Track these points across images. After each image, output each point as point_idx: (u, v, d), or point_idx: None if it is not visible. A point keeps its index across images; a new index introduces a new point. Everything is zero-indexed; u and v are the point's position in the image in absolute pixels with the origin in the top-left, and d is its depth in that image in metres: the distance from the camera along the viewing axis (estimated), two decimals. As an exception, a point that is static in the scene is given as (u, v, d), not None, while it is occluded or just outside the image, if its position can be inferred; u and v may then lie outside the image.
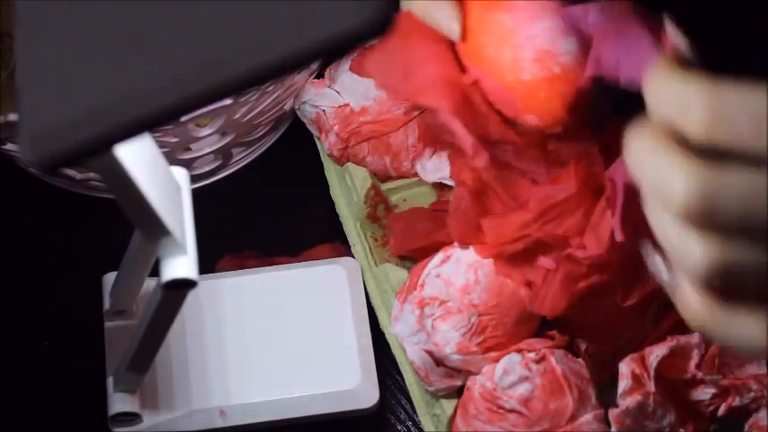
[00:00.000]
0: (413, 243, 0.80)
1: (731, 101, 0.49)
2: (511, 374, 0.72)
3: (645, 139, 0.51)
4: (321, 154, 0.87)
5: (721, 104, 0.49)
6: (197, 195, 0.67)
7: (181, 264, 0.63)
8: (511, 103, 0.67)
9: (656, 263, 0.60)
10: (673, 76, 0.51)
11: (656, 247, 0.56)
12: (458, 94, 0.68)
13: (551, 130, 0.68)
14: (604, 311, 0.73)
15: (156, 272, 0.65)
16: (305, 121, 0.86)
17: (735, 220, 0.49)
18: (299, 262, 0.83)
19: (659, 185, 0.50)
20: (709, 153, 0.49)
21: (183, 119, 0.76)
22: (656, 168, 0.50)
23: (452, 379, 0.75)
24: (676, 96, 0.50)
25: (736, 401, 0.73)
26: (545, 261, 0.71)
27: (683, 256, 0.51)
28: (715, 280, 0.50)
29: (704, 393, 0.73)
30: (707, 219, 0.49)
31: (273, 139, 0.89)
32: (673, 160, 0.50)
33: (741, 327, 0.51)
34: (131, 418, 0.75)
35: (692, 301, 0.52)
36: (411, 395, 0.79)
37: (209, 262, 0.76)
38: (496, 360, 0.73)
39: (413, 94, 0.69)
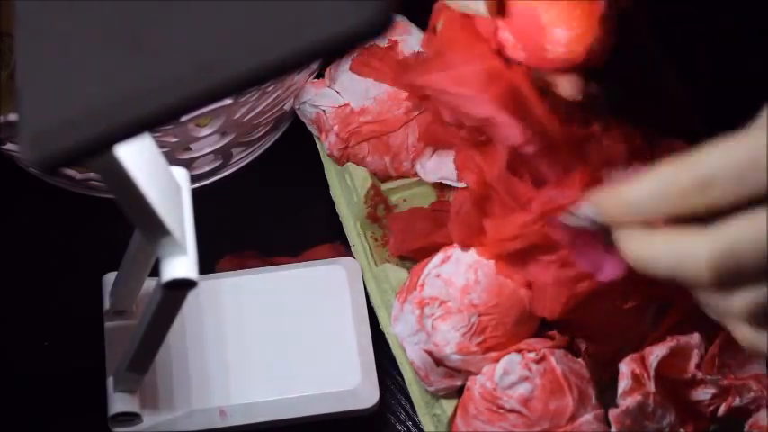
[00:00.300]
0: (413, 243, 0.80)
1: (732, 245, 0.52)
2: (511, 374, 0.72)
3: (641, 239, 0.54)
4: (321, 154, 0.87)
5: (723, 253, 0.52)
6: (197, 195, 0.67)
7: (181, 264, 0.63)
8: (536, 24, 0.67)
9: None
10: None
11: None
12: (502, 85, 0.69)
13: (577, 54, 0.68)
14: (604, 312, 0.73)
15: (156, 272, 0.65)
16: (305, 121, 0.86)
17: (758, 267, 0.52)
18: (299, 262, 0.83)
19: (680, 267, 0.53)
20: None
21: (183, 119, 0.76)
22: (670, 255, 0.53)
23: (452, 379, 0.75)
24: (673, 251, 0.53)
25: (736, 401, 0.73)
26: (544, 263, 0.71)
27: (728, 312, 0.54)
28: (758, 317, 0.54)
29: (704, 393, 0.73)
30: (736, 278, 0.52)
31: (273, 139, 0.89)
32: (682, 241, 0.53)
33: None
34: (131, 418, 0.75)
35: (748, 335, 0.56)
36: (411, 395, 0.79)
37: (209, 262, 0.76)
38: (496, 360, 0.73)
39: (455, 83, 0.70)
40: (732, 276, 0.52)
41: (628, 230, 0.54)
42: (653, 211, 0.53)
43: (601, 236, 0.58)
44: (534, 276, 0.72)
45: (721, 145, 0.52)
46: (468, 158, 0.74)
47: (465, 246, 0.74)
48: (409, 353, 0.75)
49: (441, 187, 0.83)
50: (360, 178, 0.82)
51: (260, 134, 0.86)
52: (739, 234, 0.52)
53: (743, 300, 0.53)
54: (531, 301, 0.73)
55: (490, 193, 0.72)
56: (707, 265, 0.52)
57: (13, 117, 0.74)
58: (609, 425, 0.71)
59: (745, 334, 0.56)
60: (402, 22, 0.86)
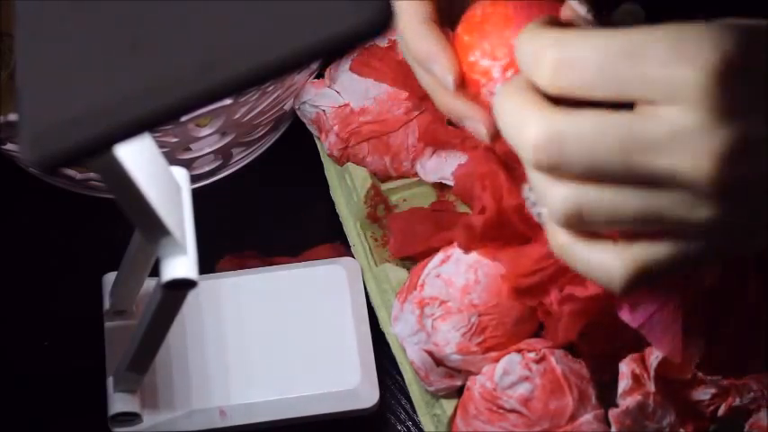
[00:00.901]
0: (413, 247, 0.80)
1: (573, 49, 0.53)
2: (511, 374, 0.72)
3: (509, 90, 0.55)
4: (321, 154, 0.87)
5: (563, 53, 0.53)
6: (197, 195, 0.67)
7: (181, 264, 0.63)
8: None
9: (530, 199, 0.65)
10: (532, 33, 0.55)
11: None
12: None
13: None
14: (604, 313, 0.73)
15: (156, 272, 0.65)
16: (305, 121, 0.86)
17: (582, 164, 0.53)
18: (299, 262, 0.83)
19: (515, 133, 0.54)
20: (561, 101, 0.53)
21: (183, 119, 0.76)
22: (511, 116, 0.55)
23: (452, 379, 0.75)
24: (530, 50, 0.54)
25: (736, 401, 0.73)
26: (557, 294, 0.71)
27: (543, 199, 0.55)
28: (571, 220, 0.54)
29: (704, 393, 0.73)
30: (556, 164, 0.53)
31: (273, 139, 0.89)
32: (525, 108, 0.54)
33: (596, 258, 0.56)
34: (131, 418, 0.75)
35: (556, 236, 0.57)
36: (411, 395, 0.79)
37: (209, 262, 0.76)
38: (496, 360, 0.73)
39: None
40: (552, 162, 0.53)
41: (510, 82, 0.56)
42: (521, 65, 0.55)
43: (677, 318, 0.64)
44: (548, 307, 0.72)
45: (595, 35, 0.53)
46: (492, 176, 0.73)
47: (468, 251, 0.74)
48: (409, 353, 0.75)
49: (441, 187, 0.83)
50: (360, 178, 0.82)
51: (260, 134, 0.86)
52: (572, 121, 0.52)
53: (560, 194, 0.54)
54: (544, 331, 0.73)
55: (503, 220, 0.72)
56: (531, 139, 0.53)
57: (13, 117, 0.74)
58: (609, 425, 0.71)
59: (554, 235, 0.56)
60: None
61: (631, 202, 0.54)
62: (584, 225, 0.55)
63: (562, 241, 0.57)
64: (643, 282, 0.56)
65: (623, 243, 0.56)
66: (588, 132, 0.53)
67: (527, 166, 0.55)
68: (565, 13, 0.59)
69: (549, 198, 0.54)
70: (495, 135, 0.63)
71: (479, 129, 0.64)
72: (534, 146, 0.53)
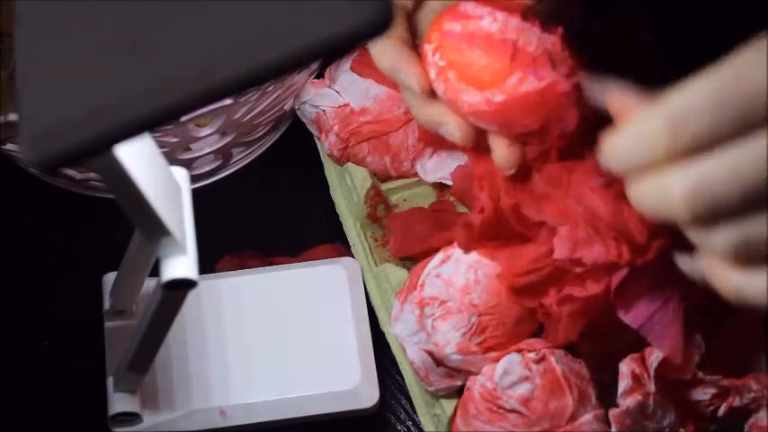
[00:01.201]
0: (413, 248, 0.80)
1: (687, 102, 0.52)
2: (511, 374, 0.72)
3: (636, 180, 0.54)
4: (321, 154, 0.87)
5: (676, 113, 0.52)
6: (197, 195, 0.67)
7: (181, 264, 0.63)
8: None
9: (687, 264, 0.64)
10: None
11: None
12: None
13: None
14: (604, 313, 0.73)
15: (156, 272, 0.65)
16: (305, 121, 0.86)
17: (737, 200, 0.52)
18: (299, 262, 0.83)
19: (660, 203, 0.54)
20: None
21: (183, 119, 0.76)
22: (652, 194, 0.54)
23: (452, 379, 0.75)
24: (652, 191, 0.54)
25: (736, 401, 0.73)
26: (556, 295, 0.71)
27: (712, 251, 0.55)
28: (740, 255, 0.54)
29: (704, 393, 0.73)
30: (713, 211, 0.52)
31: (273, 139, 0.89)
32: (662, 180, 0.53)
33: (760, 283, 0.55)
34: (131, 418, 0.75)
35: (729, 280, 0.56)
36: (411, 395, 0.79)
37: (209, 262, 0.76)
38: (496, 360, 0.73)
39: None
40: (709, 210, 0.52)
41: (633, 177, 0.55)
42: (635, 161, 0.54)
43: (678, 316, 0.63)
44: (548, 308, 0.72)
45: (691, 83, 0.52)
46: (489, 177, 0.73)
47: (468, 251, 0.74)
48: (409, 353, 0.75)
49: (441, 187, 0.83)
50: (360, 178, 0.82)
51: (260, 134, 0.86)
52: (712, 167, 0.52)
53: (724, 236, 0.53)
54: (544, 333, 0.73)
55: (501, 219, 0.72)
56: (680, 197, 0.52)
57: (13, 117, 0.74)
58: (609, 425, 0.71)
59: (730, 280, 0.56)
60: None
61: None
62: (748, 255, 0.54)
63: (736, 282, 0.56)
64: None
65: None
66: (730, 169, 0.52)
67: (684, 227, 0.55)
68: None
69: (716, 245, 0.54)
70: (469, 137, 0.67)
71: (454, 132, 0.67)
72: (682, 199, 0.53)
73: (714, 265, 0.56)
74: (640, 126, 0.53)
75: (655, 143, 0.53)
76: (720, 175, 0.52)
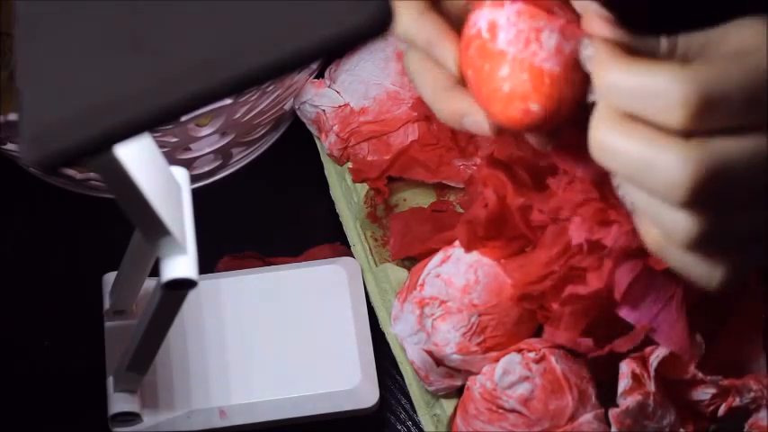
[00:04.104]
0: (413, 248, 0.80)
1: (709, 87, 0.51)
2: (511, 374, 0.72)
3: (615, 127, 0.53)
4: (321, 154, 0.87)
5: (699, 94, 0.51)
6: (197, 195, 0.67)
7: (181, 264, 0.64)
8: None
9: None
10: (629, 68, 0.52)
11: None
12: None
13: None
14: (605, 311, 0.73)
15: (156, 272, 0.65)
16: (305, 121, 0.86)
17: (742, 188, 0.52)
18: (299, 262, 0.83)
19: (647, 172, 0.52)
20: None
21: (183, 119, 0.76)
22: (639, 154, 0.52)
23: (452, 379, 0.75)
24: (643, 91, 0.52)
25: (736, 401, 0.73)
26: (559, 295, 0.71)
27: (671, 231, 0.53)
28: (703, 244, 0.53)
29: (704, 393, 0.73)
30: (710, 194, 0.51)
31: (273, 139, 0.89)
32: (658, 144, 0.51)
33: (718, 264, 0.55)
34: (131, 418, 0.75)
35: (677, 257, 0.55)
36: (411, 395, 0.79)
37: (209, 262, 0.76)
38: (496, 360, 0.73)
39: None
40: (709, 193, 0.51)
41: (606, 118, 0.53)
42: (632, 107, 0.52)
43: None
44: (549, 309, 0.72)
45: (725, 65, 0.51)
46: (494, 179, 0.72)
47: (469, 250, 0.73)
48: (409, 353, 0.75)
49: (441, 187, 0.83)
50: (360, 178, 0.83)
51: (260, 134, 0.86)
52: (726, 148, 0.51)
53: (696, 222, 0.52)
54: (546, 332, 0.73)
55: (506, 216, 0.72)
56: (680, 171, 0.51)
57: (13, 117, 0.74)
58: (609, 425, 0.71)
59: (655, 233, 0.55)
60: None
61: None
62: (716, 243, 0.54)
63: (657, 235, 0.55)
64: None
65: None
66: (742, 156, 0.52)
67: (646, 201, 0.54)
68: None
69: (680, 228, 0.53)
70: (498, 129, 0.61)
71: (482, 124, 0.61)
72: (688, 185, 0.51)
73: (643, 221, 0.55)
74: (657, 81, 0.51)
75: (668, 109, 0.51)
76: (732, 156, 0.51)
